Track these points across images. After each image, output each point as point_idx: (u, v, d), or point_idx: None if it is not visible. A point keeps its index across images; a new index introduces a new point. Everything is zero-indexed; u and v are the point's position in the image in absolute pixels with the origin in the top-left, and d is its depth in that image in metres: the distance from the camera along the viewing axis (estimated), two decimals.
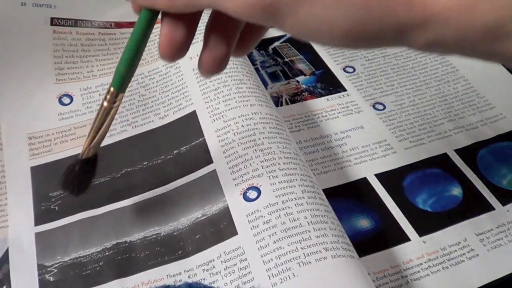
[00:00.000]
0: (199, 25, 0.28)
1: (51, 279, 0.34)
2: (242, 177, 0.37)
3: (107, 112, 0.31)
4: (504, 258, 0.38)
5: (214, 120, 0.41)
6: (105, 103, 0.30)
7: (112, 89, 0.30)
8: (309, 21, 0.22)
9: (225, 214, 0.36)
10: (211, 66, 0.28)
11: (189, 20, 0.26)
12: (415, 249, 0.38)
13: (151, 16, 0.27)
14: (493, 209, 0.41)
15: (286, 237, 0.33)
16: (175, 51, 0.27)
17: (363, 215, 0.40)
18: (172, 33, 0.26)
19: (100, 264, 0.35)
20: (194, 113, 0.42)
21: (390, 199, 0.41)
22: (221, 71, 0.28)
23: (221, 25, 0.27)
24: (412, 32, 0.22)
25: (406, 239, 0.39)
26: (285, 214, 0.34)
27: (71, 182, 0.34)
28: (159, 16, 0.27)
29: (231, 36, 0.28)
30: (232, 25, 0.27)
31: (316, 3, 0.21)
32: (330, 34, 0.22)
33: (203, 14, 0.27)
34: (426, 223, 0.40)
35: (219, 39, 0.27)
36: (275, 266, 0.32)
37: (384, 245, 0.38)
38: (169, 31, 0.26)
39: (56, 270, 0.34)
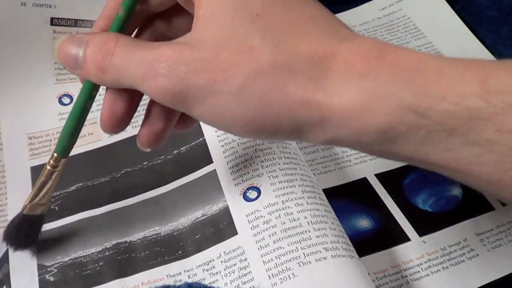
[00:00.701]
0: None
1: (51, 279, 0.34)
2: (242, 177, 0.37)
3: (50, 175, 0.32)
4: (504, 258, 0.38)
5: None
6: (48, 167, 0.31)
7: (55, 154, 0.31)
8: (213, 112, 0.24)
9: (225, 214, 0.36)
10: (148, 141, 0.29)
11: (130, 96, 0.27)
12: (415, 249, 0.38)
13: (91, 87, 0.28)
14: (493, 209, 0.41)
15: (286, 237, 0.33)
16: (115, 125, 0.28)
17: (363, 215, 0.40)
18: (112, 107, 0.27)
19: (100, 264, 0.35)
20: None
21: (390, 199, 0.41)
22: (159, 146, 0.29)
23: None
24: (310, 130, 0.23)
25: (406, 239, 0.39)
26: (285, 214, 0.34)
27: (10, 234, 0.34)
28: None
29: (171, 113, 0.29)
30: None
31: (219, 97, 0.23)
32: (231, 125, 0.24)
33: None
34: (426, 223, 0.39)
35: (158, 114, 0.28)
36: (275, 266, 0.32)
37: (384, 245, 0.38)
38: (110, 105, 0.27)
39: (56, 270, 0.34)
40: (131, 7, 0.28)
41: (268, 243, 0.33)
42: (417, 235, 0.39)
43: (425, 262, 0.37)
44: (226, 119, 0.24)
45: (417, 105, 0.20)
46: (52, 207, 0.38)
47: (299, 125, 0.23)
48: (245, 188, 0.36)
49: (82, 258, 0.35)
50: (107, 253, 0.35)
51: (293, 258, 0.32)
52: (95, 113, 0.44)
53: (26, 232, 0.34)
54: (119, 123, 0.28)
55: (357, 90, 0.21)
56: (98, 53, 0.25)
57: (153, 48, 0.24)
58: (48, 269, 0.35)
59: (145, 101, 0.29)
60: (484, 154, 0.20)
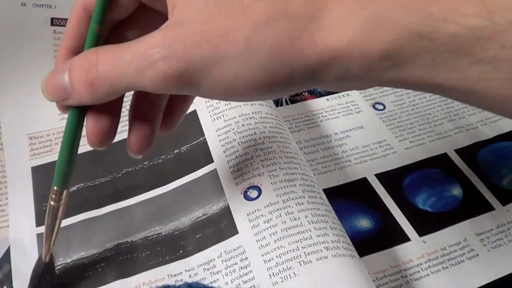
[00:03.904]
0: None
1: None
2: (243, 176, 0.37)
3: (55, 211, 0.30)
4: (504, 258, 0.38)
5: (214, 119, 0.41)
6: (52, 202, 0.29)
7: (55, 188, 0.29)
8: (223, 80, 0.23)
9: (226, 213, 0.36)
10: (139, 147, 0.28)
11: (112, 108, 0.27)
12: (415, 249, 0.38)
13: (79, 113, 0.27)
14: (493, 209, 0.41)
15: (286, 236, 0.33)
16: (104, 139, 0.27)
17: (363, 215, 0.40)
18: (97, 124, 0.27)
19: (102, 265, 0.35)
20: (194, 113, 0.42)
21: (390, 199, 0.41)
22: (150, 149, 0.29)
23: (143, 105, 0.28)
24: (322, 71, 0.23)
25: (406, 239, 0.39)
26: (285, 213, 0.34)
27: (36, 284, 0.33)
28: None
29: (154, 115, 0.28)
30: (154, 103, 0.28)
31: (225, 62, 0.22)
32: (246, 88, 0.23)
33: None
34: (426, 223, 0.40)
35: (142, 119, 0.28)
36: (276, 265, 0.32)
37: (384, 245, 0.38)
38: (94, 122, 0.27)
39: (58, 272, 0.34)
40: (102, 18, 0.27)
41: (269, 242, 0.33)
42: (417, 235, 0.39)
43: (425, 262, 0.37)
44: (239, 83, 0.23)
45: (421, 29, 0.21)
46: None
47: (311, 69, 0.22)
48: (246, 188, 0.36)
49: (84, 259, 0.35)
50: (108, 254, 0.35)
51: (294, 257, 0.32)
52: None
53: (49, 278, 0.33)
54: (106, 137, 0.27)
55: (359, 21, 0.21)
56: (81, 70, 0.24)
57: (139, 41, 0.23)
58: None
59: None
60: (490, 71, 0.21)
